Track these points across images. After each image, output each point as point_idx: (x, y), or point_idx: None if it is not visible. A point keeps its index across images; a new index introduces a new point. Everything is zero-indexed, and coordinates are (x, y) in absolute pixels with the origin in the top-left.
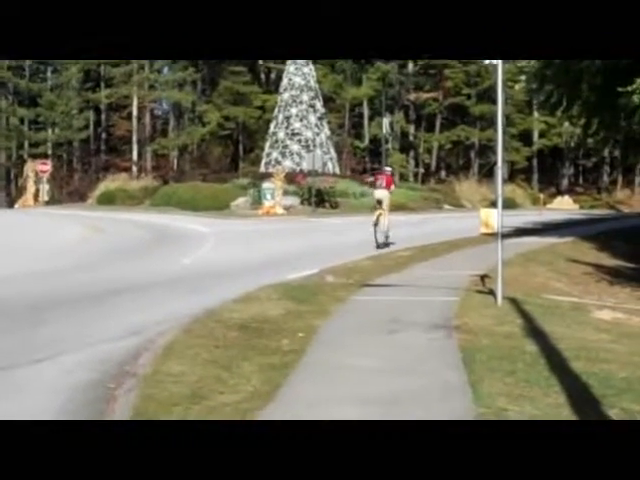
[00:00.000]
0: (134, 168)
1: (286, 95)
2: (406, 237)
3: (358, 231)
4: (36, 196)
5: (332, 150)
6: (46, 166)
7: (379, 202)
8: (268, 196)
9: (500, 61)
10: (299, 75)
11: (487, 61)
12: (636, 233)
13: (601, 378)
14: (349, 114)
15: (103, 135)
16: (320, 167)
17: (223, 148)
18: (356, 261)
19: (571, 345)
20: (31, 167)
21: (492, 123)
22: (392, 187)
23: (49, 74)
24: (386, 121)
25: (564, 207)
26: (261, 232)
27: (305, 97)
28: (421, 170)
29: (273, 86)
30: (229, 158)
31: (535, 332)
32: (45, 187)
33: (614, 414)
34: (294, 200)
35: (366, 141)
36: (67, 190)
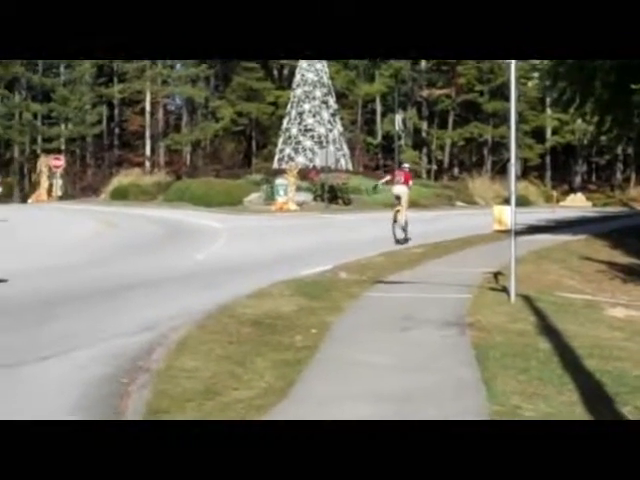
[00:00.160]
0: (147, 163)
1: (299, 91)
2: (419, 234)
3: (371, 227)
4: (49, 191)
5: (345, 146)
6: (59, 161)
7: (398, 198)
8: (281, 192)
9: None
10: (312, 71)
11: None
12: None
13: (614, 376)
14: (362, 110)
15: (116, 130)
16: (333, 163)
17: (236, 144)
18: (369, 258)
19: (584, 343)
20: (44, 162)
21: (505, 120)
22: (410, 183)
23: (62, 69)
24: (399, 118)
25: (577, 204)
26: (274, 228)
27: (318, 93)
28: (434, 167)
29: (286, 82)
30: (242, 154)
31: (548, 330)
32: (58, 182)
33: (627, 412)
34: (307, 196)
35: (379, 137)
36: (80, 185)
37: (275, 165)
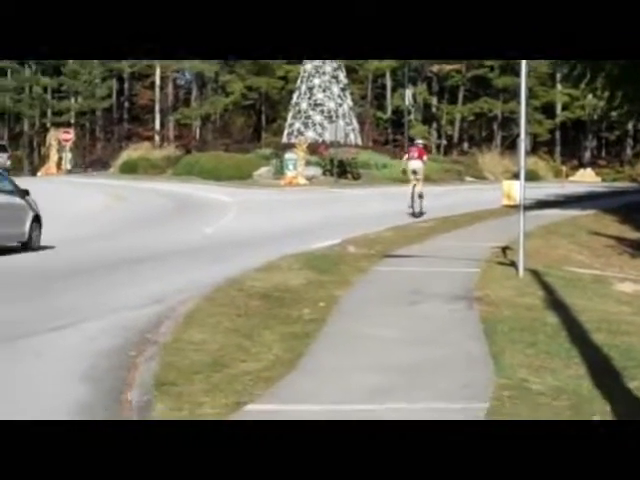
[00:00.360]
0: (156, 137)
1: (309, 66)
2: (428, 209)
3: (380, 202)
4: (59, 165)
5: (354, 121)
6: (69, 135)
7: (414, 172)
8: (290, 166)
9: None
10: None
11: None
12: None
13: (622, 350)
14: (372, 85)
15: (126, 104)
16: (342, 138)
17: (246, 118)
18: (378, 232)
19: (592, 317)
20: (54, 136)
21: (515, 95)
22: (425, 158)
23: None
24: (409, 92)
25: (586, 180)
26: (283, 202)
27: (328, 68)
28: (443, 142)
29: None
30: (252, 128)
31: (556, 304)
32: (68, 156)
33: (635, 387)
34: (316, 171)
35: (388, 112)
36: (90, 159)
37: (284, 139)
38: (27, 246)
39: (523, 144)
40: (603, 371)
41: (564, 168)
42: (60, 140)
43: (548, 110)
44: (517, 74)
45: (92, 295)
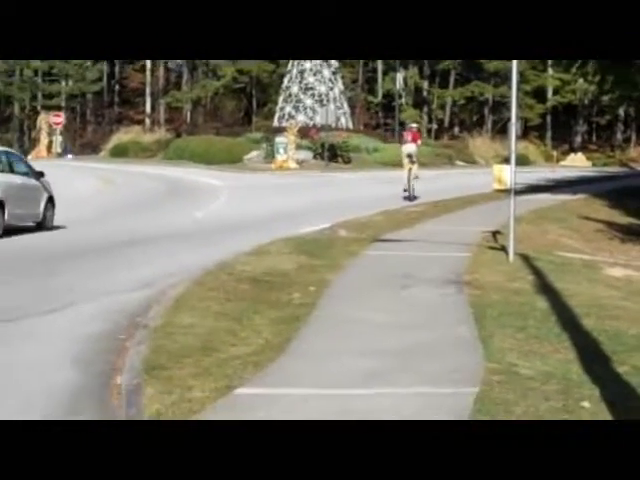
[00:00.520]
0: (147, 121)
1: None
2: (419, 193)
3: (371, 186)
4: (49, 148)
5: (345, 105)
6: (59, 118)
7: (409, 156)
8: (281, 150)
9: None
10: None
11: None
12: None
13: (612, 335)
14: (363, 69)
15: (116, 87)
16: (333, 122)
17: (237, 102)
18: (369, 216)
19: (582, 302)
20: (44, 119)
21: (506, 79)
22: (419, 142)
23: None
24: (400, 76)
25: (577, 164)
26: (274, 186)
27: None
28: (434, 126)
29: None
30: (242, 112)
31: (546, 289)
32: (58, 139)
33: (624, 371)
34: (307, 154)
35: (379, 96)
36: (80, 142)
37: (275, 123)
38: (41, 226)
39: (514, 128)
40: (592, 356)
41: (555, 152)
42: (50, 123)
43: (539, 94)
44: None
45: (83, 279)
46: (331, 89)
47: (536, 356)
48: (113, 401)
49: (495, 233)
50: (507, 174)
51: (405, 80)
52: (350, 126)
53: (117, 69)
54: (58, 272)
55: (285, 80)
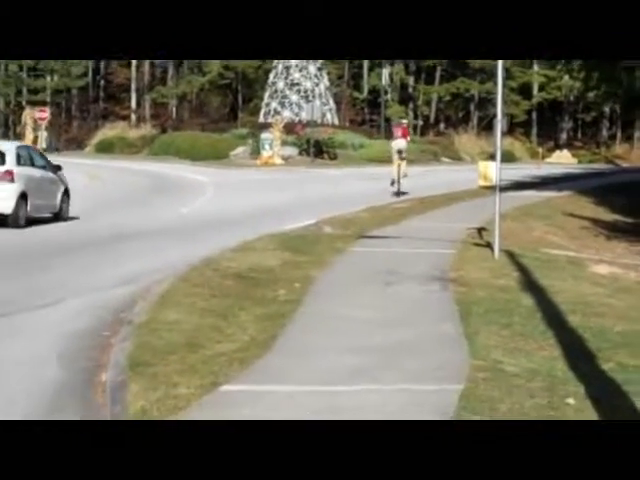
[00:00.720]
0: (133, 116)
1: None
2: (405, 189)
3: (356, 182)
4: (34, 143)
5: (331, 101)
6: (44, 113)
7: (399, 152)
8: (267, 146)
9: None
10: None
11: None
12: (634, 188)
13: (596, 332)
14: (348, 65)
15: (102, 83)
16: (319, 118)
17: (222, 97)
18: (354, 212)
19: (567, 299)
20: (29, 114)
21: (492, 75)
22: (408, 137)
23: None
24: (385, 72)
25: (563, 161)
26: (259, 182)
27: None
28: (420, 122)
29: None
30: (228, 108)
31: (531, 285)
32: (43, 134)
33: (609, 368)
34: (293, 150)
35: (365, 92)
36: (65, 137)
37: (261, 119)
38: (58, 216)
39: (500, 125)
40: (577, 353)
41: (540, 149)
42: (36, 119)
43: (525, 91)
44: None
45: (68, 274)
46: (317, 85)
47: (521, 353)
48: (97, 399)
49: (480, 230)
50: (492, 171)
51: (391, 76)
52: (336, 122)
53: (102, 64)
54: (46, 268)
55: (271, 76)
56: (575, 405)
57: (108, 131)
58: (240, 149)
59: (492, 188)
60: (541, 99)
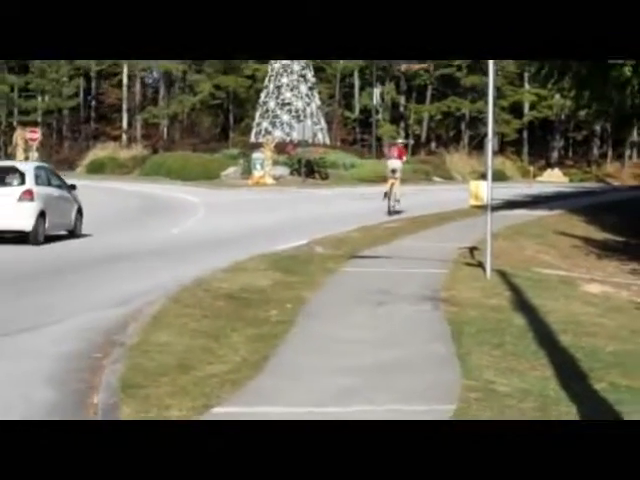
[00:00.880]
0: (124, 137)
1: (277, 65)
2: (399, 208)
3: (348, 202)
4: None
5: (322, 120)
6: (35, 134)
7: (393, 171)
8: (258, 166)
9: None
10: None
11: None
12: (625, 206)
13: (588, 352)
14: (340, 84)
15: (93, 103)
16: (310, 137)
17: (213, 117)
18: (345, 232)
19: (559, 318)
20: (20, 135)
21: (483, 95)
22: (404, 158)
23: None
24: (377, 92)
25: (554, 180)
26: (251, 202)
27: (296, 67)
28: (411, 141)
29: None
30: (219, 128)
31: (523, 305)
32: (34, 155)
33: (601, 388)
34: (284, 170)
35: (356, 112)
36: (57, 158)
37: (252, 139)
38: (73, 233)
39: (491, 144)
40: (570, 373)
41: (531, 168)
42: (27, 139)
43: (516, 110)
44: (485, 73)
45: (58, 296)
46: (308, 104)
47: (513, 373)
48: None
49: (472, 249)
50: (483, 190)
51: (382, 95)
52: (327, 142)
53: (93, 84)
54: (32, 290)
55: (262, 95)
56: None
57: (99, 151)
58: (231, 169)
59: (483, 207)
60: (532, 118)
